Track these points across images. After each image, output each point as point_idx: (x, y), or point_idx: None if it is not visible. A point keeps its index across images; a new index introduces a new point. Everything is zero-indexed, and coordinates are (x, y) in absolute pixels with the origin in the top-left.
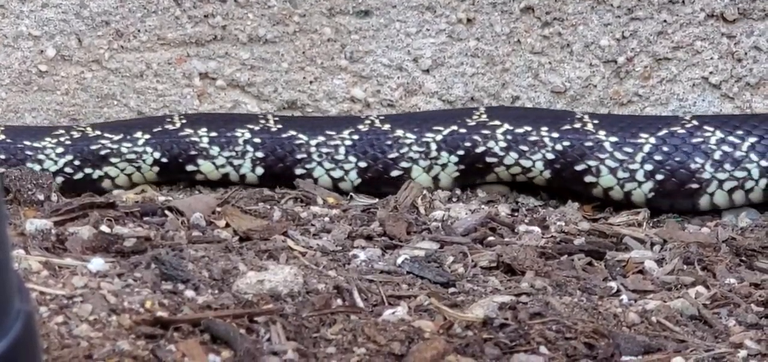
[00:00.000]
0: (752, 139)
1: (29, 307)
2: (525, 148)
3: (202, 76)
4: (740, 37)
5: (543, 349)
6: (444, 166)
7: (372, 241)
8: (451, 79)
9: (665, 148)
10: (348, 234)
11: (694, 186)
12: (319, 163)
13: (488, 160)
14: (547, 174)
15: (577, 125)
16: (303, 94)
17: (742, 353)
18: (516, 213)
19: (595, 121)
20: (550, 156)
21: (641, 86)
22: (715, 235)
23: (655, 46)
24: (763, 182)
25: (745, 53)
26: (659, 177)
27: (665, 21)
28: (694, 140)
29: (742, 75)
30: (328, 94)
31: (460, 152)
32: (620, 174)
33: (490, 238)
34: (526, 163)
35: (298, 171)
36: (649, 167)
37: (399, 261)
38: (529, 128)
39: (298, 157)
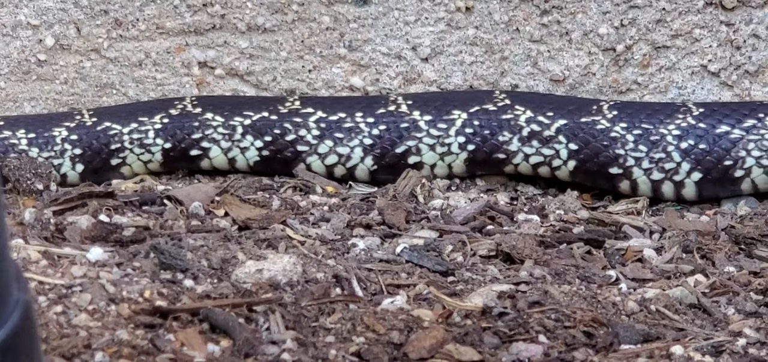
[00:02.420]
0: (561, 122)
1: (27, 297)
2: (340, 136)
3: (201, 65)
4: (739, 24)
5: (542, 338)
6: (244, 149)
7: (371, 230)
8: (449, 68)
9: (476, 122)
10: (347, 223)
11: (501, 156)
12: (131, 150)
13: (299, 148)
14: (369, 161)
15: (391, 107)
16: (302, 82)
17: (742, 341)
18: (515, 202)
19: (409, 102)
20: (367, 141)
21: (640, 74)
22: (714, 223)
23: (653, 33)
24: (571, 164)
25: (744, 41)
26: (471, 147)
27: (664, 9)
28: (504, 116)
29: (740, 62)
30: (327, 82)
31: (267, 138)
32: (439, 149)
33: (489, 227)
34: (344, 151)
35: (114, 161)
36: (461, 140)
37: (398, 249)
38: (343, 115)
39: (113, 147)
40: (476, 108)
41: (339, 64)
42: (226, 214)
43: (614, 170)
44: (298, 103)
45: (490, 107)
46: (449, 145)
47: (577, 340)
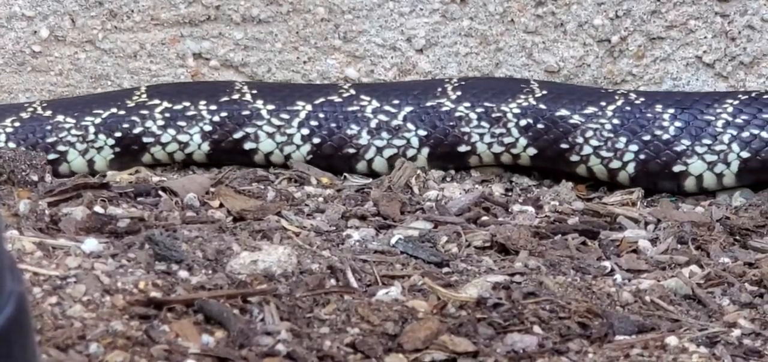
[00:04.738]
0: (408, 109)
1: (22, 288)
2: (182, 124)
3: (195, 57)
4: (734, 16)
5: (537, 329)
6: (100, 149)
7: (366, 221)
8: (444, 59)
9: (321, 115)
10: (342, 215)
11: (351, 151)
12: None
13: (145, 140)
14: (205, 147)
15: (236, 96)
16: (297, 74)
17: (736, 332)
18: (510, 193)
19: (254, 91)
20: (207, 128)
21: (635, 65)
22: (709, 215)
23: (648, 25)
24: (424, 151)
25: (739, 32)
26: (316, 140)
27: (659, 0)
28: (350, 108)
29: (735, 54)
30: (322, 74)
31: (118, 134)
32: (278, 138)
33: (484, 218)
34: (184, 138)
35: None
36: (305, 132)
37: (393, 241)
38: (187, 104)
39: None
40: (321, 99)
41: (334, 56)
42: (221, 205)
43: (462, 149)
44: (145, 95)
45: (336, 98)
46: (291, 135)
47: (572, 331)
